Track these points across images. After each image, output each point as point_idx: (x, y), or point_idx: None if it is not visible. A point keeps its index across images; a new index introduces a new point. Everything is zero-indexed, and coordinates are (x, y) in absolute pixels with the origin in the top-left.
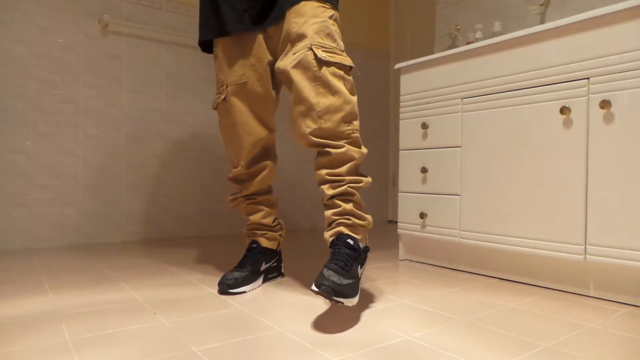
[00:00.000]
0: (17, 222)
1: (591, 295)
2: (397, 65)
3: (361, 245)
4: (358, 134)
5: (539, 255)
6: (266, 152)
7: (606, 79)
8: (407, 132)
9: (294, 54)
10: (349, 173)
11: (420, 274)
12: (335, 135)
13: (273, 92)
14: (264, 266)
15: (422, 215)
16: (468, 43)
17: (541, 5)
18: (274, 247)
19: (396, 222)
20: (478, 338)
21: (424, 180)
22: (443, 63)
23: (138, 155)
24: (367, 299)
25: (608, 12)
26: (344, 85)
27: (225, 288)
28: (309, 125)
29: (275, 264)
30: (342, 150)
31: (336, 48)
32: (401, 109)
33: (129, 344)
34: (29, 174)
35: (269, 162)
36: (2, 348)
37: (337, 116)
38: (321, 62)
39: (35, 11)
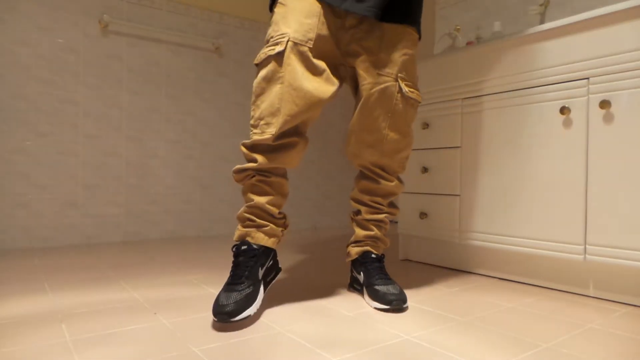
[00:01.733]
0: (17, 222)
1: (591, 295)
2: None
3: (381, 254)
4: (405, 170)
5: (539, 255)
6: (301, 130)
7: (606, 79)
8: None
9: (379, 75)
10: (388, 205)
11: (420, 274)
12: (392, 170)
13: (334, 77)
14: (261, 272)
15: (422, 215)
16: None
17: (541, 5)
18: (272, 245)
19: (396, 222)
20: (478, 338)
21: (424, 180)
22: (443, 63)
23: (138, 155)
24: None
25: (608, 12)
26: (412, 123)
27: (225, 318)
28: (373, 155)
29: (271, 262)
30: (393, 184)
31: (414, 83)
32: None
33: (129, 344)
34: (29, 174)
35: (300, 140)
36: (2, 348)
37: (399, 156)
38: (403, 97)
39: (35, 11)
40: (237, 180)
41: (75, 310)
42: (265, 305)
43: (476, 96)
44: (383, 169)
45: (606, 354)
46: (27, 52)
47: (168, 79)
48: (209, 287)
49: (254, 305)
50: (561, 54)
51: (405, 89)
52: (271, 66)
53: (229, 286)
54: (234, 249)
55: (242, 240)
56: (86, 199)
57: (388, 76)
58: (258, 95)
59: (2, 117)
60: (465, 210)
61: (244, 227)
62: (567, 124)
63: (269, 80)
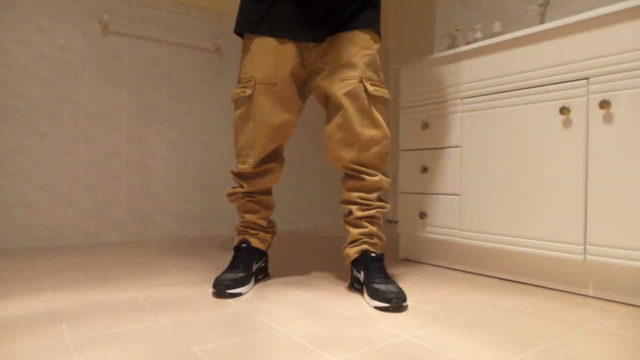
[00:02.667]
0: (17, 222)
1: (591, 295)
2: (397, 65)
3: (380, 254)
4: (387, 168)
5: (539, 255)
6: (276, 154)
7: (606, 79)
8: (407, 132)
9: (342, 80)
10: (377, 199)
11: (420, 274)
12: (372, 165)
13: (300, 101)
14: (254, 267)
15: (422, 215)
16: (468, 43)
17: (541, 5)
18: (264, 248)
19: (396, 222)
20: (478, 338)
21: (424, 180)
22: (443, 63)
23: (138, 155)
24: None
25: (608, 12)
26: (384, 118)
27: (222, 289)
28: (350, 153)
29: (263, 264)
30: (376, 179)
31: (380, 82)
32: (401, 109)
33: (129, 344)
34: (29, 174)
35: (276, 165)
36: (2, 348)
37: (376, 149)
38: (370, 96)
39: (35, 11)
40: (231, 201)
41: (75, 310)
42: (265, 305)
43: (476, 96)
44: (364, 166)
45: (606, 354)
46: (27, 52)
47: (168, 79)
48: (209, 287)
49: (245, 287)
50: (561, 54)
51: (370, 88)
52: (244, 107)
53: (228, 269)
54: (234, 247)
55: (242, 240)
56: (86, 199)
57: (352, 79)
58: (237, 132)
59: (2, 117)
60: (465, 210)
61: (242, 234)
62: (567, 124)
63: (244, 119)
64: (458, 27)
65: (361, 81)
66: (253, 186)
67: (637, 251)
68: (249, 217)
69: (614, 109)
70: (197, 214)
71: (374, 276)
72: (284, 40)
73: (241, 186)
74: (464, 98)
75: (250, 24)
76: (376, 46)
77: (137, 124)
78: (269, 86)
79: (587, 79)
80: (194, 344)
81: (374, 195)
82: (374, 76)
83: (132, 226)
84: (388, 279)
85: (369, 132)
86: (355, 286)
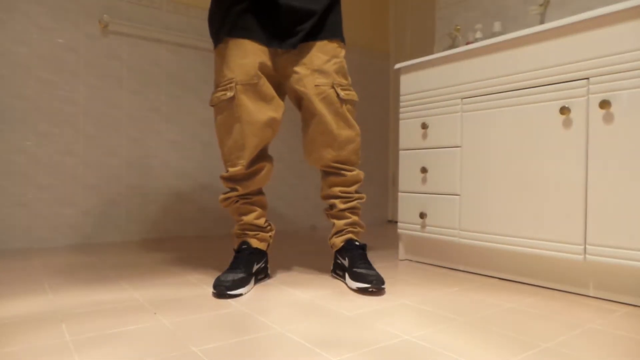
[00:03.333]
0: (17, 222)
1: (591, 295)
2: (397, 65)
3: (363, 243)
4: (360, 160)
5: (539, 255)
6: (264, 154)
7: (606, 79)
8: (407, 132)
9: (317, 86)
10: (356, 191)
11: (420, 274)
12: (350, 161)
13: (280, 100)
14: (255, 267)
15: (422, 215)
16: (468, 43)
17: (541, 5)
18: (264, 248)
19: (396, 222)
20: (478, 338)
21: (424, 180)
22: (443, 63)
23: (138, 155)
24: (367, 299)
25: (608, 12)
26: (354, 118)
27: (223, 290)
28: (330, 153)
29: (263, 264)
30: (354, 173)
31: (349, 85)
32: (401, 109)
33: (129, 344)
34: (29, 174)
35: (266, 164)
36: (2, 348)
37: (352, 146)
38: (342, 101)
39: (35, 11)
40: (224, 206)
41: (75, 310)
42: (265, 305)
43: (476, 96)
44: (343, 163)
45: (606, 354)
46: (27, 52)
47: (168, 79)
48: (209, 287)
49: (246, 287)
50: (561, 54)
51: (342, 92)
52: (226, 110)
53: (228, 270)
54: (235, 249)
55: (243, 241)
56: (86, 199)
57: (325, 85)
58: (222, 137)
59: (2, 117)
60: (465, 210)
61: (241, 236)
62: (567, 124)
63: (228, 122)
64: (458, 27)
65: (333, 87)
66: (247, 188)
67: (637, 251)
68: (246, 219)
69: (614, 109)
70: (197, 214)
71: (357, 262)
72: (258, 43)
73: (234, 190)
74: (464, 98)
75: (225, 30)
76: (342, 53)
77: (137, 124)
78: (250, 86)
79: (587, 79)
80: (194, 344)
81: (353, 188)
82: (344, 81)
83: (131, 226)
84: (369, 265)
85: (345, 133)
86: (338, 272)
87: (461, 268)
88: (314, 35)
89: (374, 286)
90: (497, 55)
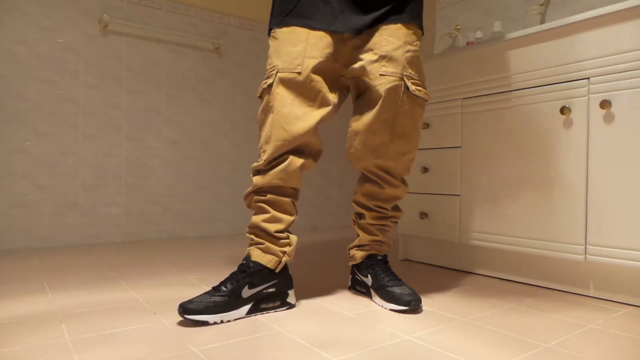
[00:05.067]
0: (17, 222)
1: (591, 295)
2: None
3: (384, 255)
4: (410, 172)
5: (539, 255)
6: (299, 150)
7: (606, 79)
8: None
9: (382, 75)
10: (392, 209)
11: (420, 274)
12: (397, 172)
13: (331, 96)
14: (247, 291)
15: (422, 215)
16: (468, 43)
17: (541, 5)
18: (270, 265)
19: (396, 222)
20: (478, 338)
21: (424, 180)
22: (443, 63)
23: (138, 155)
24: (367, 300)
25: (608, 12)
26: (419, 123)
27: (180, 310)
28: (375, 157)
29: (273, 290)
30: (397, 190)
31: (421, 81)
32: None
33: (129, 344)
34: (29, 174)
35: (293, 157)
36: (2, 348)
37: (404, 158)
38: (410, 96)
39: (35, 11)
40: (247, 206)
41: (75, 310)
42: None
43: (476, 96)
44: (388, 172)
45: (606, 354)
46: (26, 52)
47: (168, 78)
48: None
49: (217, 315)
50: (561, 54)
51: (412, 87)
52: (265, 98)
53: (211, 289)
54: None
55: (246, 256)
56: (86, 199)
57: (393, 76)
58: (260, 126)
59: (2, 117)
60: (465, 210)
61: (249, 246)
62: (568, 124)
63: (265, 111)
64: (458, 26)
65: (402, 78)
66: (264, 180)
67: (637, 251)
68: (254, 219)
69: (614, 108)
70: (197, 214)
71: (385, 279)
72: (316, 29)
73: (255, 185)
74: (464, 98)
75: (280, 16)
76: (418, 42)
77: (136, 124)
78: (292, 75)
79: (588, 78)
80: (194, 344)
81: (390, 204)
82: (417, 75)
83: (131, 226)
84: (399, 280)
85: (402, 139)
86: (359, 289)
87: (461, 268)
88: (388, 17)
89: (413, 307)
90: (498, 55)
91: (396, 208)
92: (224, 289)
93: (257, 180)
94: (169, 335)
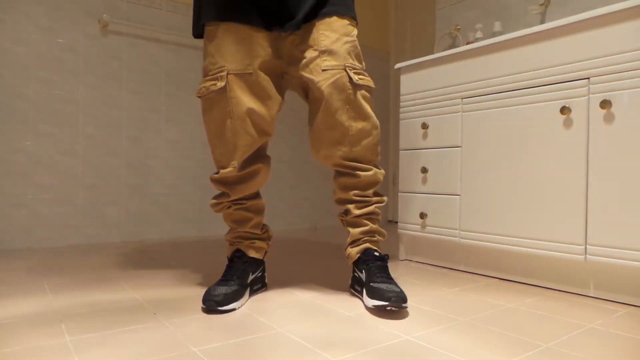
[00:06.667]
0: (17, 222)
1: (591, 296)
2: (397, 65)
3: (384, 254)
4: (380, 157)
5: (539, 255)
6: (260, 154)
7: (606, 79)
8: (407, 132)
9: (325, 70)
10: (374, 194)
11: (420, 274)
12: (365, 159)
13: (278, 95)
14: (250, 278)
15: (422, 215)
16: (468, 43)
17: (541, 5)
18: (261, 257)
19: (396, 222)
20: (478, 338)
21: (424, 180)
22: (443, 63)
23: (138, 155)
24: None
25: (608, 12)
26: (371, 108)
27: (213, 305)
28: (340, 149)
29: (260, 274)
30: (371, 173)
31: (363, 69)
32: (401, 109)
33: (129, 344)
34: (29, 174)
35: (262, 165)
36: (2, 348)
37: (367, 141)
38: (355, 86)
39: (35, 11)
40: (216, 211)
41: (75, 310)
42: (265, 305)
43: (476, 96)
44: (357, 161)
45: (606, 354)
46: (26, 52)
47: (168, 78)
48: (209, 286)
49: (239, 301)
50: (561, 54)
51: (355, 77)
52: (217, 103)
53: (221, 282)
54: (228, 257)
55: (236, 249)
56: (86, 199)
57: (335, 69)
58: (212, 134)
59: (2, 117)
60: (465, 210)
61: (234, 245)
62: (568, 124)
63: (218, 117)
64: (458, 26)
65: (345, 70)
66: (241, 192)
67: (637, 251)
68: (240, 227)
69: (614, 108)
70: (197, 214)
71: (375, 275)
72: (256, 27)
73: (226, 194)
74: (464, 98)
75: (213, 11)
76: (355, 32)
77: (137, 124)
78: (244, 76)
79: (588, 78)
80: (194, 344)
81: (370, 191)
82: (357, 64)
83: (131, 226)
84: (390, 279)
85: (358, 125)
86: (356, 287)
87: (461, 268)
88: (321, 10)
89: (393, 304)
90: (498, 55)
91: (377, 194)
92: (235, 279)
93: (233, 193)
94: (169, 335)
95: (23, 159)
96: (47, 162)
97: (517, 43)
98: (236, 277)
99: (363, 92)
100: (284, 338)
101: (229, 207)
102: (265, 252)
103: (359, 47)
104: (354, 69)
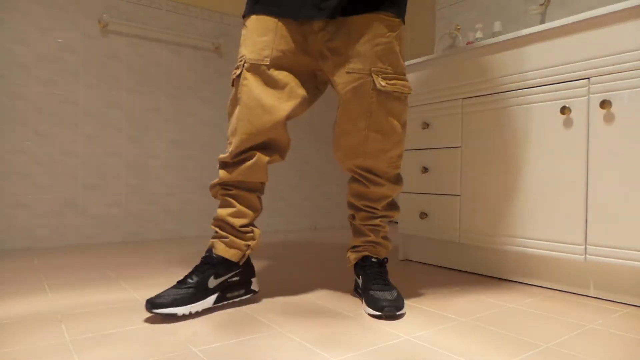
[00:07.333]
0: (17, 222)
1: (591, 296)
2: None
3: (382, 258)
4: (399, 170)
5: (539, 255)
6: (266, 145)
7: (606, 79)
8: (407, 132)
9: (348, 73)
10: (383, 208)
11: (420, 274)
12: (380, 170)
13: (301, 90)
14: (213, 281)
15: (422, 215)
16: (468, 43)
17: (541, 5)
18: (234, 259)
19: (396, 222)
20: (478, 338)
21: (424, 180)
22: (443, 63)
23: (138, 155)
24: None
25: (608, 12)
26: (399, 118)
27: (148, 306)
28: (354, 157)
29: (237, 278)
30: (382, 189)
31: (397, 73)
32: None
33: (129, 344)
34: (29, 174)
35: (260, 155)
36: (2, 348)
37: (386, 156)
38: (380, 93)
39: (35, 11)
40: (213, 196)
41: (75, 310)
42: (265, 305)
43: (476, 96)
44: (370, 172)
45: (606, 354)
46: (26, 52)
47: (168, 78)
48: None
49: (185, 307)
50: (561, 54)
51: (381, 83)
52: (234, 89)
53: (176, 283)
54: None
55: (210, 245)
56: (86, 199)
57: (358, 73)
58: (228, 117)
59: (2, 117)
60: (465, 210)
61: (212, 237)
62: (568, 124)
63: (233, 102)
64: (458, 26)
65: (370, 74)
66: (230, 175)
67: (637, 251)
68: (220, 212)
69: (614, 108)
70: (197, 214)
71: (372, 282)
72: (285, 19)
73: (219, 176)
74: (464, 98)
75: (250, 4)
76: (394, 31)
77: (137, 124)
78: (259, 67)
79: (588, 78)
80: (194, 344)
81: (380, 204)
82: (390, 68)
83: (132, 226)
84: (386, 285)
85: (377, 137)
86: (358, 291)
87: (461, 268)
88: (359, 6)
89: (386, 313)
90: (498, 55)
91: (390, 207)
92: (190, 281)
93: (223, 174)
94: (169, 335)
95: (23, 159)
96: (47, 162)
97: (517, 43)
98: (192, 278)
99: (390, 99)
100: (284, 338)
101: (219, 190)
102: (243, 256)
103: (395, 47)
104: (383, 73)
